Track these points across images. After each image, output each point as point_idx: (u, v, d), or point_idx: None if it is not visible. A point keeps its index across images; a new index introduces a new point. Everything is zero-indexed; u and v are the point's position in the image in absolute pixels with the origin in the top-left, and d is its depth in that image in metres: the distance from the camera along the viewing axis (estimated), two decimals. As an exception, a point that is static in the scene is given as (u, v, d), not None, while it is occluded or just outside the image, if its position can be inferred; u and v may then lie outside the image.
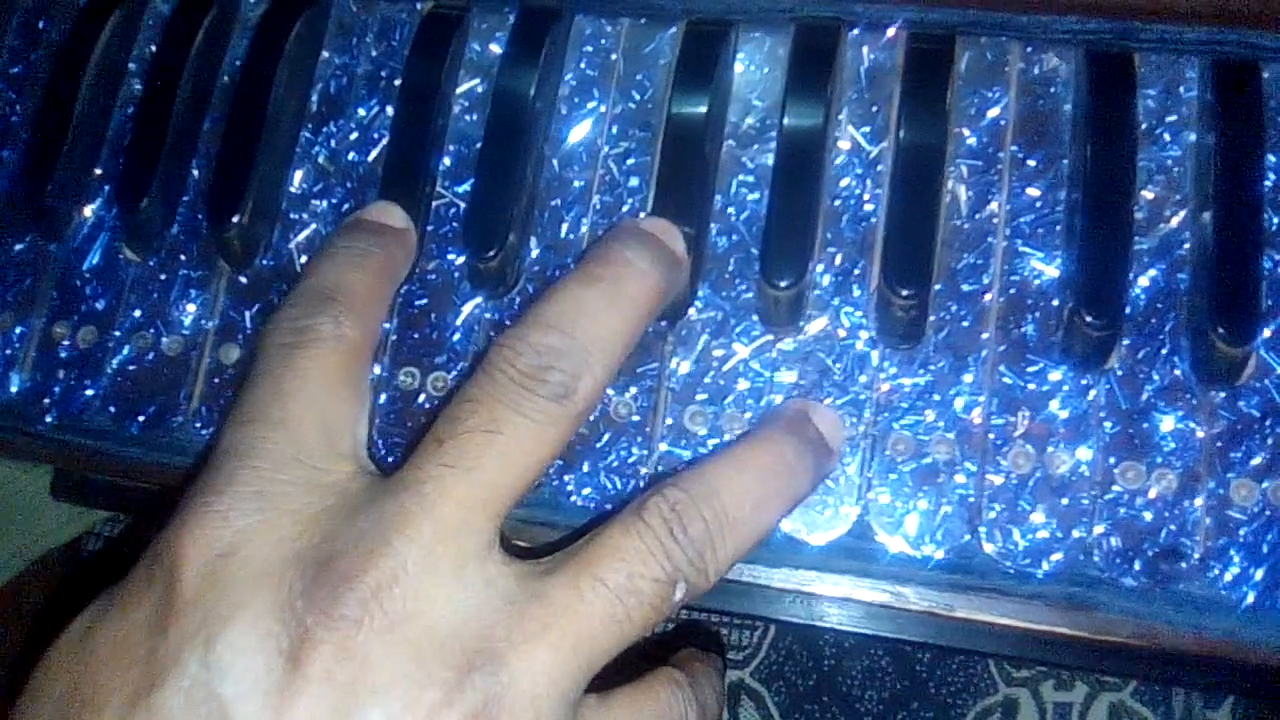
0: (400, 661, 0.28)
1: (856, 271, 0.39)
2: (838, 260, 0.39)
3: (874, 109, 0.40)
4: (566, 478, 0.38)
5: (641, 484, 0.38)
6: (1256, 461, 0.36)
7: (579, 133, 0.42)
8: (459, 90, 0.43)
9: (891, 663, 0.69)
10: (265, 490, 0.31)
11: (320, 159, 0.43)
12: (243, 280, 0.42)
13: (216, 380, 0.41)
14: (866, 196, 0.39)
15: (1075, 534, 0.36)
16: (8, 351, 0.43)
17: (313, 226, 0.43)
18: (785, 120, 0.39)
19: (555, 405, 0.31)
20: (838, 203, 0.39)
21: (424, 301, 0.41)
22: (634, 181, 0.41)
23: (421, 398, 0.40)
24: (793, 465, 0.34)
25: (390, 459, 0.39)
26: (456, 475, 0.30)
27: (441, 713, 0.28)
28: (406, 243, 0.39)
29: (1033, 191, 0.39)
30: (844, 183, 0.40)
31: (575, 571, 0.30)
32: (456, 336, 0.40)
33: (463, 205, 0.42)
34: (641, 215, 0.40)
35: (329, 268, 0.37)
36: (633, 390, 0.38)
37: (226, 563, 0.29)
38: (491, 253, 0.39)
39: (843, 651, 0.69)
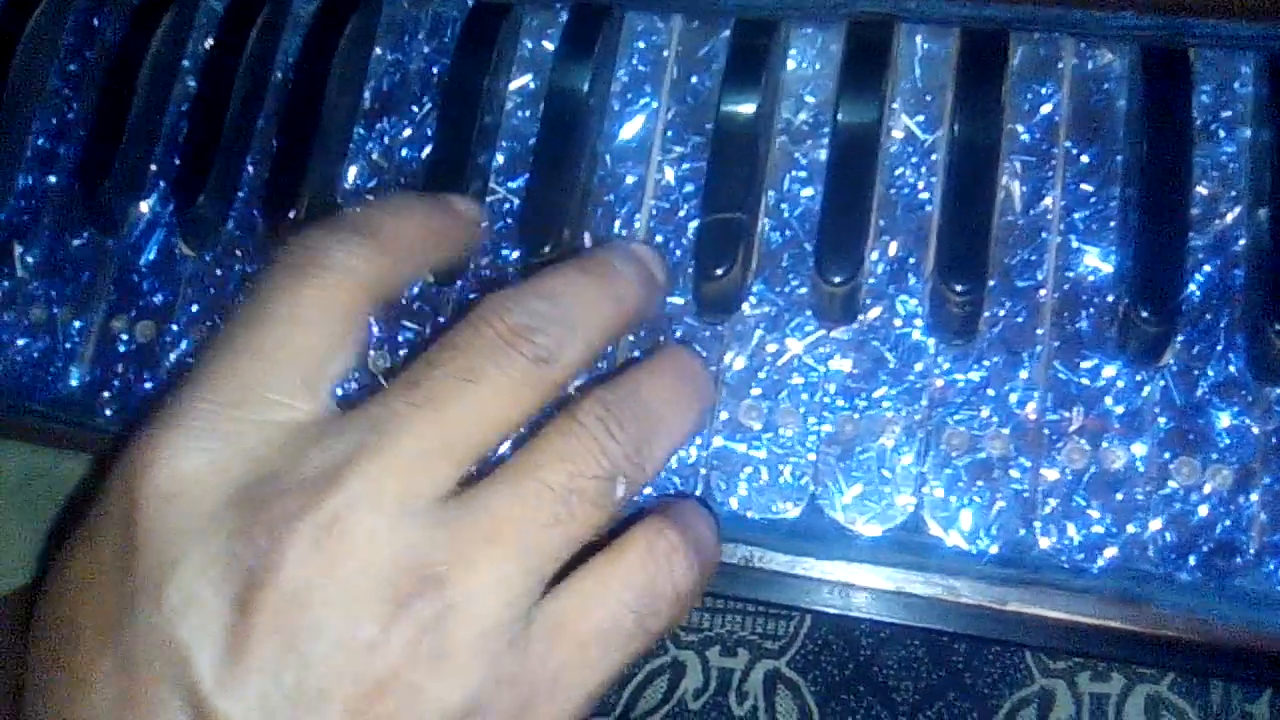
0: (339, 600, 0.28)
1: (912, 260, 0.39)
2: (892, 249, 0.39)
3: (928, 98, 0.40)
4: (621, 472, 0.38)
5: (698, 482, 0.38)
6: (1312, 457, 0.36)
7: (631, 129, 0.42)
8: (512, 87, 0.43)
9: (928, 653, 0.69)
10: (217, 428, 0.30)
11: (374, 155, 0.44)
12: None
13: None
14: (921, 185, 0.40)
15: (1130, 529, 0.36)
16: (67, 345, 0.44)
17: (367, 222, 0.43)
18: (839, 117, 0.40)
19: (535, 368, 0.31)
20: (892, 191, 0.40)
21: (476, 296, 0.41)
22: (689, 188, 0.41)
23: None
24: (698, 373, 0.36)
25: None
26: (422, 415, 0.30)
27: (380, 647, 0.28)
28: (468, 230, 0.38)
29: (1087, 187, 0.39)
30: (898, 171, 0.40)
31: (515, 478, 0.30)
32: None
33: (516, 201, 0.42)
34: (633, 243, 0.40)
35: (373, 208, 0.35)
36: (687, 385, 0.39)
37: (174, 506, 0.29)
38: (547, 248, 0.39)
39: (879, 642, 0.69)
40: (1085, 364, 0.37)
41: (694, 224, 0.40)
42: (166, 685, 0.28)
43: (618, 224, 0.41)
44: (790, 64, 0.42)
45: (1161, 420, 0.37)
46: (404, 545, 0.29)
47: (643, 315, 0.36)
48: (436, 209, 0.37)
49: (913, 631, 0.69)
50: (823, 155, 0.40)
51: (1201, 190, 0.38)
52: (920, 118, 0.40)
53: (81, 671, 0.29)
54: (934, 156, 0.40)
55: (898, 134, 0.40)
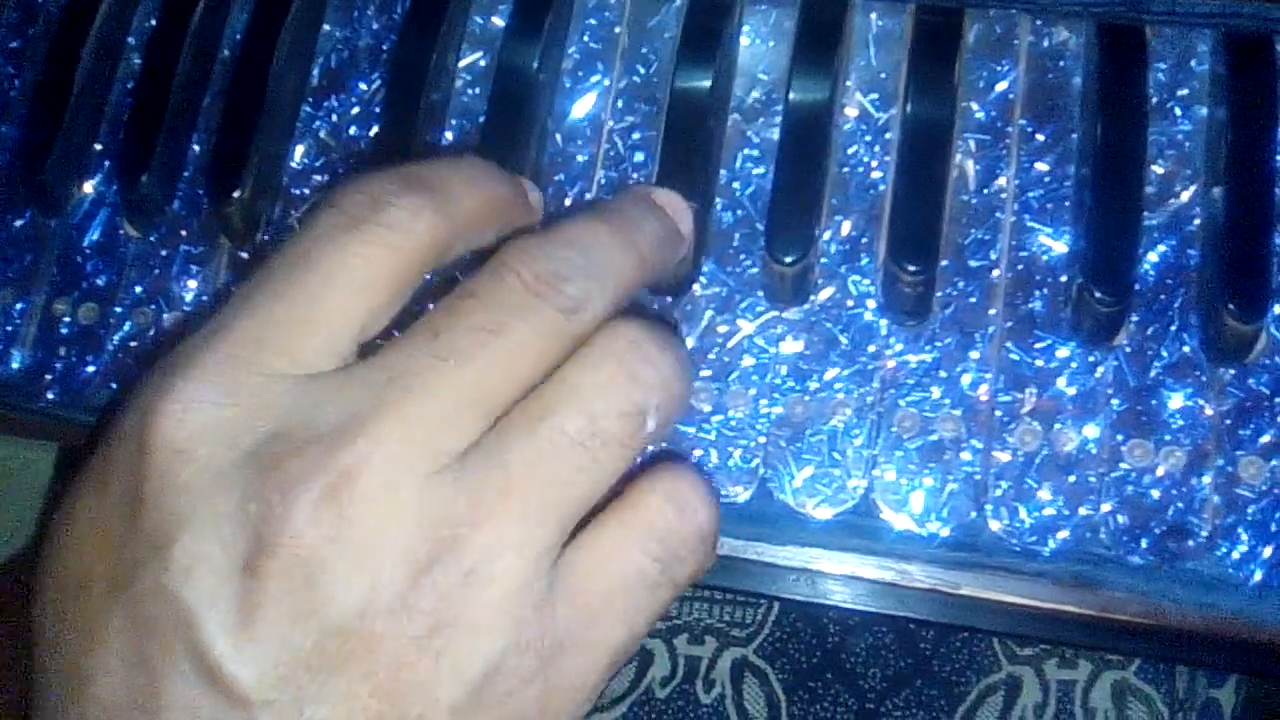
0: (354, 567, 0.27)
1: (864, 240, 0.38)
2: (845, 229, 0.39)
3: (882, 75, 0.40)
4: (570, 455, 0.38)
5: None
6: (1265, 439, 0.35)
7: (582, 106, 0.41)
8: (461, 64, 0.42)
9: (895, 640, 0.69)
10: (236, 383, 0.29)
11: (322, 134, 0.43)
12: (244, 256, 0.42)
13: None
14: (874, 164, 0.39)
15: (1082, 511, 0.35)
16: (9, 328, 0.43)
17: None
18: (790, 95, 0.39)
19: (561, 319, 0.29)
20: (845, 170, 0.39)
21: (428, 278, 0.40)
22: (639, 156, 0.40)
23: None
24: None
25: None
26: (446, 370, 0.28)
27: (398, 612, 0.27)
28: (529, 216, 0.35)
29: (1041, 166, 0.38)
30: (851, 150, 0.39)
31: (531, 425, 0.29)
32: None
33: (465, 180, 0.41)
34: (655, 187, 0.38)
35: (444, 166, 0.32)
36: (637, 367, 0.38)
37: (184, 462, 0.28)
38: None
39: (846, 629, 0.69)
40: (1038, 345, 0.37)
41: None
42: (175, 647, 0.27)
43: (568, 203, 0.41)
44: (744, 41, 0.41)
45: (1114, 402, 0.36)
46: (421, 507, 0.28)
47: (664, 269, 0.34)
48: (507, 182, 0.34)
49: (880, 619, 0.68)
50: (776, 134, 0.40)
51: (1157, 169, 0.38)
52: (874, 96, 0.40)
53: (91, 627, 0.28)
54: (888, 135, 0.39)
55: (851, 112, 0.40)
